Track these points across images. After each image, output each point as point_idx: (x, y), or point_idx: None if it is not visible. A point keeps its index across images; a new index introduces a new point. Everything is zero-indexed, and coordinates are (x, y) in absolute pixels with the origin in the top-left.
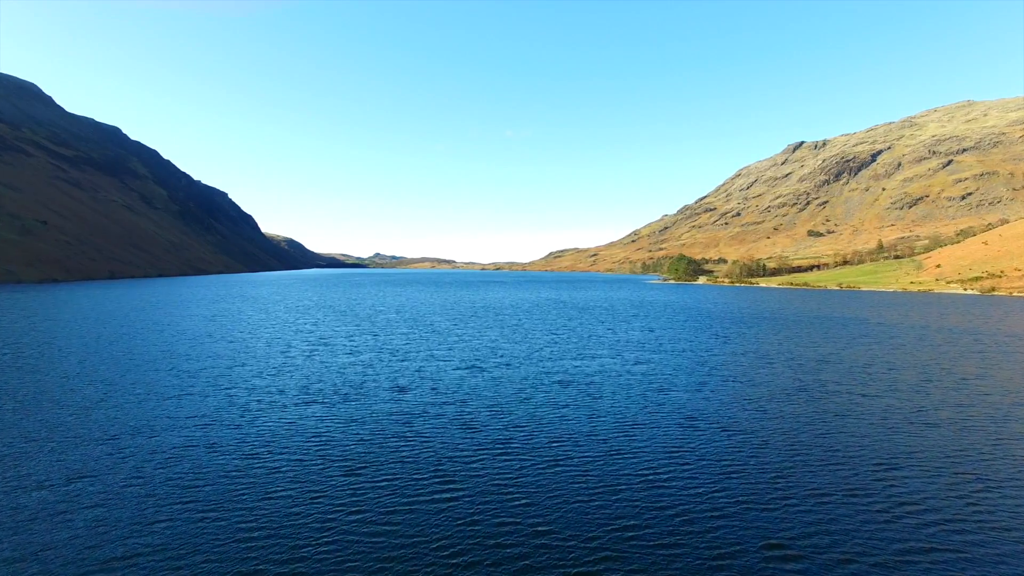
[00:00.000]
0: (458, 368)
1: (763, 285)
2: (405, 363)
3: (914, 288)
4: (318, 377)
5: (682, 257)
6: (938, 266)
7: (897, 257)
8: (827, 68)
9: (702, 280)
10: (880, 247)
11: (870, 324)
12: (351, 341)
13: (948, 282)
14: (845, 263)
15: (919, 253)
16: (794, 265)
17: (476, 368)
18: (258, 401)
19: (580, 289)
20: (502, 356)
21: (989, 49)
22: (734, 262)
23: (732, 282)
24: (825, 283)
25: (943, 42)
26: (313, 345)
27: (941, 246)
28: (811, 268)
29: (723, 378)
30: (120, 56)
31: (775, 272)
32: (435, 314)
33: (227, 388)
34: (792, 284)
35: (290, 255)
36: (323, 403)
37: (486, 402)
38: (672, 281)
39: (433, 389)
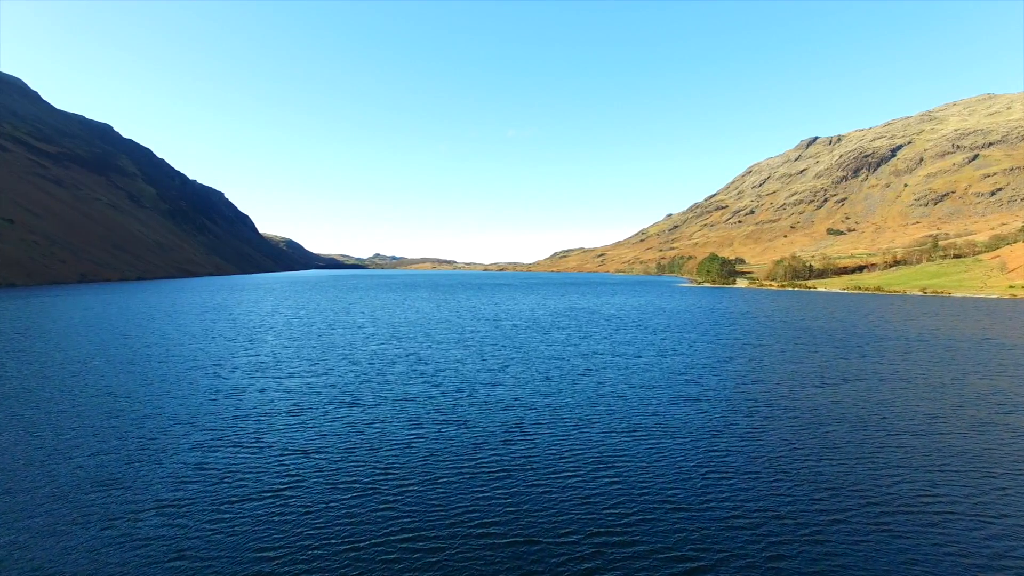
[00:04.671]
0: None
1: (822, 289)
2: (410, 558)
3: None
4: None
5: (714, 257)
6: None
7: (956, 256)
8: (834, 64)
9: (742, 283)
10: (935, 245)
11: None
12: (301, 428)
13: None
14: (896, 263)
15: (981, 252)
16: (840, 266)
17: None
18: None
19: (608, 294)
20: (652, 496)
21: (1002, 42)
22: (777, 262)
23: (781, 285)
24: (903, 287)
25: (953, 36)
26: (218, 440)
27: (1008, 243)
28: (858, 269)
29: None
30: (117, 54)
31: (821, 273)
32: (452, 342)
33: None
34: (860, 288)
35: (288, 256)
36: None
37: None
38: (707, 284)
39: None
